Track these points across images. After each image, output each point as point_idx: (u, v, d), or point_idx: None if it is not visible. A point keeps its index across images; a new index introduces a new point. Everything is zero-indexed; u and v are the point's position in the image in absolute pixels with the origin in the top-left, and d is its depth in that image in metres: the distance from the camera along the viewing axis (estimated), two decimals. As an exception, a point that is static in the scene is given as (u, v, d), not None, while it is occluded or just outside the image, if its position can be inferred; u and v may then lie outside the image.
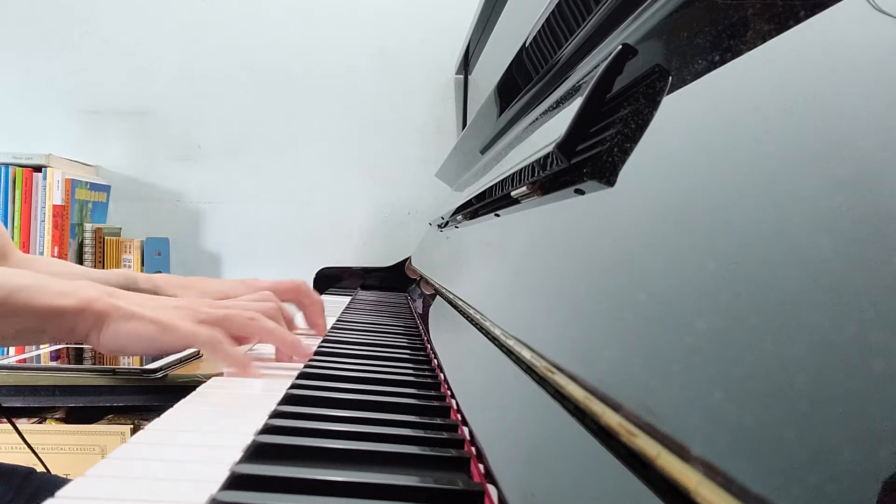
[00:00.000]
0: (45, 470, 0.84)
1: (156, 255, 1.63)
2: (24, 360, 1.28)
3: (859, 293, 0.15)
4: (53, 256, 1.49)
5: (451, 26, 1.70)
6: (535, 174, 0.49)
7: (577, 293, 0.33)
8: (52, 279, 0.53)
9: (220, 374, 0.54)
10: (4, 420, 1.24)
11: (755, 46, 0.27)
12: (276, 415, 0.40)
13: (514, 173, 0.57)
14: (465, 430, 0.39)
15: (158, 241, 1.65)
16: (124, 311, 0.52)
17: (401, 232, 1.76)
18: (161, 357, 0.54)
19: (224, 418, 0.42)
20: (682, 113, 0.31)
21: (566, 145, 0.41)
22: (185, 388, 0.50)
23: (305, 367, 0.56)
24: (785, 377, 0.16)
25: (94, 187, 1.61)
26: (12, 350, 1.42)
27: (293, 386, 0.48)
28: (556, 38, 0.59)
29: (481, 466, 0.33)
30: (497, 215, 0.67)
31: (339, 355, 0.61)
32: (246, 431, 0.37)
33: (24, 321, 0.50)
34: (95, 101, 1.71)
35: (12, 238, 1.48)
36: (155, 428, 0.39)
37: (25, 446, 0.86)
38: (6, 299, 0.50)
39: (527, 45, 0.68)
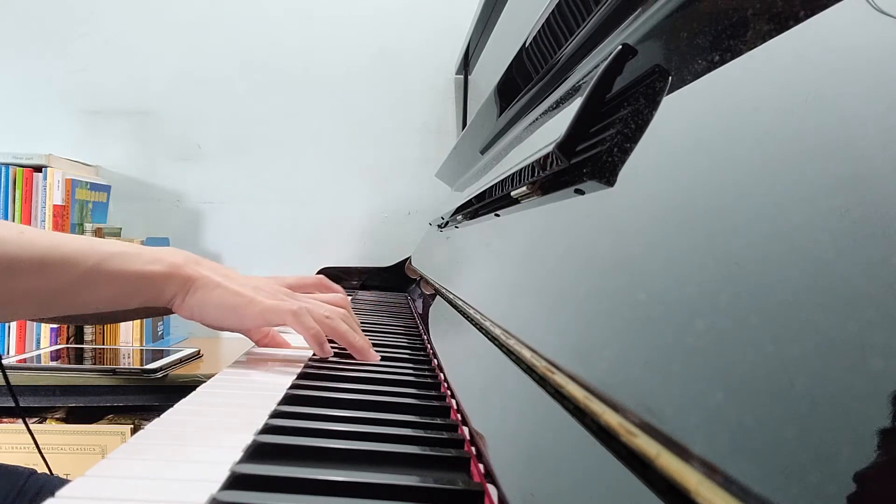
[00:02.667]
0: (47, 470, 0.84)
1: (156, 255, 1.63)
2: (25, 360, 1.28)
3: (859, 293, 0.15)
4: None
5: (451, 26, 1.70)
6: (535, 174, 0.49)
7: (576, 293, 0.33)
8: (141, 248, 0.55)
9: (220, 374, 0.54)
10: (11, 420, 1.24)
11: (755, 46, 0.27)
12: (276, 415, 0.40)
13: (514, 173, 0.57)
14: (465, 429, 0.39)
15: (158, 241, 1.65)
16: (211, 280, 0.55)
17: (401, 232, 1.76)
18: (233, 330, 0.57)
19: (225, 418, 0.42)
20: (682, 113, 0.31)
21: (566, 145, 0.41)
22: (185, 387, 0.50)
23: (305, 367, 0.56)
24: (785, 377, 0.16)
25: (94, 187, 1.61)
26: (12, 350, 1.42)
27: (293, 386, 0.48)
28: (556, 38, 0.59)
29: (481, 466, 0.33)
30: (497, 215, 0.67)
31: (339, 355, 0.61)
32: (246, 431, 0.37)
33: (115, 288, 0.52)
34: (95, 101, 1.71)
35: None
36: (155, 427, 0.38)
37: (26, 446, 0.86)
38: (98, 267, 0.51)
39: (527, 45, 0.68)
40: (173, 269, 0.54)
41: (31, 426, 1.21)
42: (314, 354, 0.61)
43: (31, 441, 0.87)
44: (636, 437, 0.20)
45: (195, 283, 0.55)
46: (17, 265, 0.48)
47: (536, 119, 0.65)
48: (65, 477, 0.94)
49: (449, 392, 0.49)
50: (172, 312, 0.57)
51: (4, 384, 0.83)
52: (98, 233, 1.58)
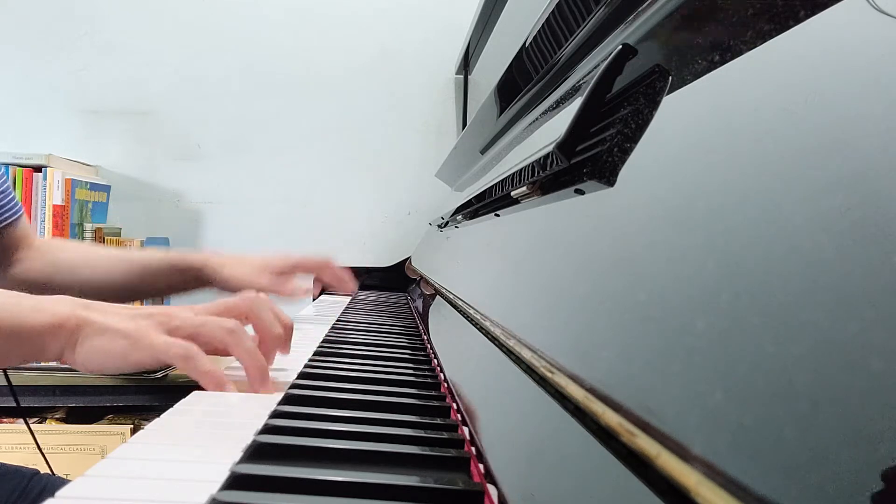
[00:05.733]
0: (49, 471, 0.84)
1: (156, 255, 1.63)
2: (24, 360, 1.28)
3: (859, 293, 0.15)
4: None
5: (451, 26, 1.70)
6: (535, 174, 0.49)
7: (577, 293, 0.33)
8: (23, 296, 0.49)
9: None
10: (11, 419, 1.24)
11: (755, 46, 0.27)
12: (276, 415, 0.40)
13: (514, 173, 0.57)
14: (465, 430, 0.39)
15: (158, 241, 1.65)
16: (97, 325, 0.48)
17: (401, 232, 1.76)
18: (131, 372, 0.46)
19: (224, 418, 0.42)
20: (682, 113, 0.31)
21: (566, 145, 0.41)
22: (185, 388, 0.49)
23: (305, 366, 0.55)
24: (785, 377, 0.16)
25: (94, 187, 1.61)
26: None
27: (293, 386, 0.48)
28: (556, 38, 0.59)
29: (481, 466, 0.33)
30: (497, 215, 0.67)
31: (339, 355, 0.61)
32: (246, 431, 0.37)
33: None
34: (95, 101, 1.71)
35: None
36: (155, 428, 0.38)
37: (27, 446, 0.86)
38: None
39: (527, 45, 0.68)
40: (57, 321, 0.48)
41: (32, 426, 1.21)
42: (314, 353, 0.61)
43: (32, 441, 0.87)
44: (636, 437, 0.20)
45: (81, 331, 0.48)
46: None
47: (536, 119, 0.65)
48: (65, 477, 0.94)
49: (449, 392, 0.49)
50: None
51: (6, 384, 0.83)
52: (98, 233, 1.58)
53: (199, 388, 0.48)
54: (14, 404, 0.86)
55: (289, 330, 0.58)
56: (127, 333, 0.48)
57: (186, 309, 0.52)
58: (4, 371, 0.83)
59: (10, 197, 0.86)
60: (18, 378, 1.20)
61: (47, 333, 0.47)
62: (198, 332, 0.50)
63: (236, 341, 0.50)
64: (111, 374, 0.49)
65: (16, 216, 0.86)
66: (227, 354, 0.52)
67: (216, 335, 0.50)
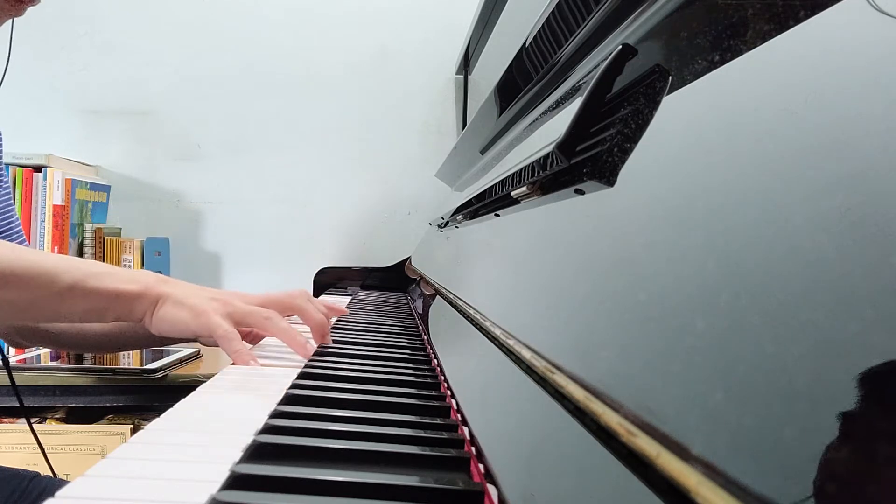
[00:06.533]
0: (50, 471, 0.84)
1: (156, 255, 1.63)
2: (24, 360, 1.28)
3: (859, 293, 0.15)
4: (53, 256, 1.49)
5: (451, 26, 1.70)
6: (535, 174, 0.49)
7: (576, 293, 0.33)
8: (115, 267, 0.60)
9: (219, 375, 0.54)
10: (11, 420, 1.24)
11: (755, 46, 0.27)
12: (276, 415, 0.40)
13: (514, 173, 0.57)
14: (465, 430, 0.39)
15: (158, 241, 1.65)
16: (174, 297, 0.60)
17: (401, 232, 1.76)
18: (190, 339, 0.62)
19: (224, 418, 0.42)
20: (682, 113, 0.31)
21: (566, 145, 0.41)
22: (184, 388, 0.49)
23: (305, 367, 0.56)
24: (785, 377, 0.16)
25: (94, 187, 1.61)
26: (12, 350, 1.42)
27: (293, 386, 0.48)
28: (556, 38, 0.59)
29: (481, 466, 0.33)
30: (497, 215, 0.67)
31: (339, 355, 0.61)
32: (246, 431, 0.37)
33: (91, 302, 0.57)
34: (95, 101, 1.71)
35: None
36: (155, 428, 0.38)
37: (27, 446, 0.86)
38: (77, 284, 0.56)
39: (527, 45, 0.68)
40: (145, 289, 0.60)
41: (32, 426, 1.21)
42: (314, 353, 0.61)
43: (32, 441, 0.87)
44: (636, 437, 0.20)
45: (160, 300, 0.60)
46: (6, 276, 0.53)
47: (536, 119, 0.65)
48: (65, 478, 0.94)
49: (449, 392, 0.49)
50: (166, 344, 0.60)
51: (9, 384, 0.83)
52: (98, 233, 1.58)
53: (197, 389, 0.48)
54: (17, 404, 0.86)
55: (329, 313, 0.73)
56: (193, 307, 0.60)
57: (240, 297, 0.65)
58: (9, 371, 0.84)
59: (17, 229, 0.87)
60: (19, 378, 1.20)
61: (138, 298, 0.59)
62: (245, 319, 0.62)
63: (273, 324, 0.63)
64: (175, 339, 0.63)
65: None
66: (270, 334, 0.64)
67: (258, 322, 0.63)
